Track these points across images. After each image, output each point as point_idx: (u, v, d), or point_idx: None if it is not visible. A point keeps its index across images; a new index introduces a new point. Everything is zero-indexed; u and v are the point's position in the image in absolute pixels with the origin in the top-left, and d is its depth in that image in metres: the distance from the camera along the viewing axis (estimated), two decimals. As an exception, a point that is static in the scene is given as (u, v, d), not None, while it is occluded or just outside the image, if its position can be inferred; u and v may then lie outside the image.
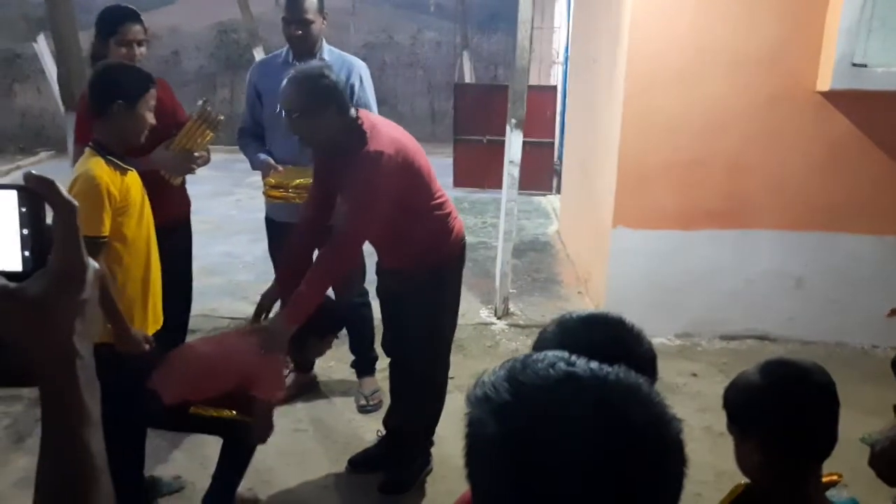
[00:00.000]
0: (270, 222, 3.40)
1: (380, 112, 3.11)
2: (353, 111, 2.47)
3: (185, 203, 3.18)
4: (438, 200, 2.65)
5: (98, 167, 2.27)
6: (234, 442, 2.53)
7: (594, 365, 0.70)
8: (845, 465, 3.25)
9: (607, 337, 1.17)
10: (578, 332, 1.18)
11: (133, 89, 2.36)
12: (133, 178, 2.39)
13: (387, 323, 2.94)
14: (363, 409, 3.43)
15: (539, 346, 1.18)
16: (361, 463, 3.00)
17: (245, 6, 7.92)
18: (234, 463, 2.54)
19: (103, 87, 2.37)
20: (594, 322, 1.23)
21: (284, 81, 2.45)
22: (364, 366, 3.56)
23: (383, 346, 3.09)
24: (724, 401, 1.41)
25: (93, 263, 0.64)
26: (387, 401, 3.13)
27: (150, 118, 2.41)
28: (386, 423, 3.03)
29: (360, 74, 3.28)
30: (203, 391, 2.41)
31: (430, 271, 2.65)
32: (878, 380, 3.85)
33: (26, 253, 0.64)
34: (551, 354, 0.72)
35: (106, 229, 2.24)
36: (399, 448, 2.93)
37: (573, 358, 0.71)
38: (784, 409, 1.30)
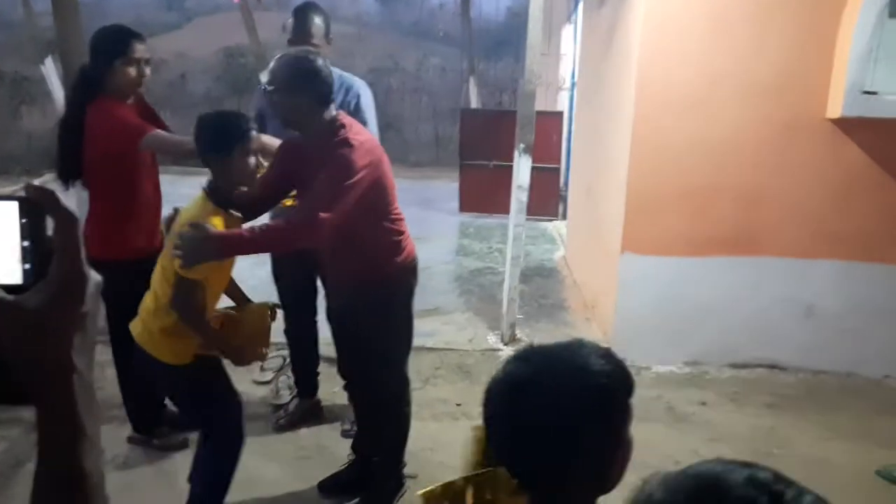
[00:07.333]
0: None
1: (385, 137, 3.11)
2: (332, 109, 2.52)
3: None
4: (395, 216, 2.68)
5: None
6: (214, 440, 2.50)
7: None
8: (863, 498, 3.20)
9: None
10: None
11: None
12: None
13: (338, 345, 2.95)
14: (345, 434, 3.38)
15: None
16: (330, 487, 2.99)
17: (253, 31, 7.97)
18: (210, 469, 2.50)
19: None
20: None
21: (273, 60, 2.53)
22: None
23: (338, 370, 3.11)
24: None
25: (94, 276, 0.62)
26: None
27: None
28: (354, 447, 3.05)
29: (359, 93, 3.29)
30: None
31: (378, 288, 2.65)
32: (892, 411, 3.79)
33: (26, 265, 0.62)
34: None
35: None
36: (369, 473, 2.93)
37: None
38: None
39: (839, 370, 4.15)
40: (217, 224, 2.30)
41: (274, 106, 2.52)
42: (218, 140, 2.36)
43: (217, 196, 2.36)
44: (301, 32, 3.16)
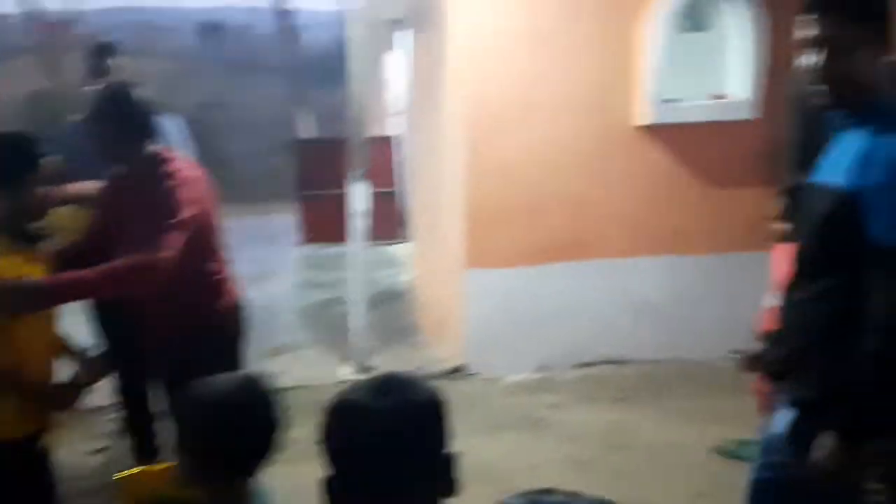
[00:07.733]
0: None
1: (216, 174, 3.01)
2: (152, 144, 2.44)
3: None
4: (219, 257, 2.58)
5: None
6: None
7: None
8: (705, 475, 3.41)
9: None
10: None
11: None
12: None
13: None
14: None
15: None
16: None
17: (54, 73, 7.47)
18: None
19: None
20: None
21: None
22: None
23: None
24: None
25: None
26: None
27: None
28: None
29: (173, 129, 3.24)
30: None
31: (200, 336, 2.48)
32: (722, 391, 4.08)
33: None
34: None
35: None
36: None
37: None
38: None
39: (674, 357, 4.41)
40: (15, 265, 2.06)
41: (93, 140, 2.40)
42: (6, 166, 2.09)
43: (9, 232, 2.10)
44: (98, 74, 3.15)
